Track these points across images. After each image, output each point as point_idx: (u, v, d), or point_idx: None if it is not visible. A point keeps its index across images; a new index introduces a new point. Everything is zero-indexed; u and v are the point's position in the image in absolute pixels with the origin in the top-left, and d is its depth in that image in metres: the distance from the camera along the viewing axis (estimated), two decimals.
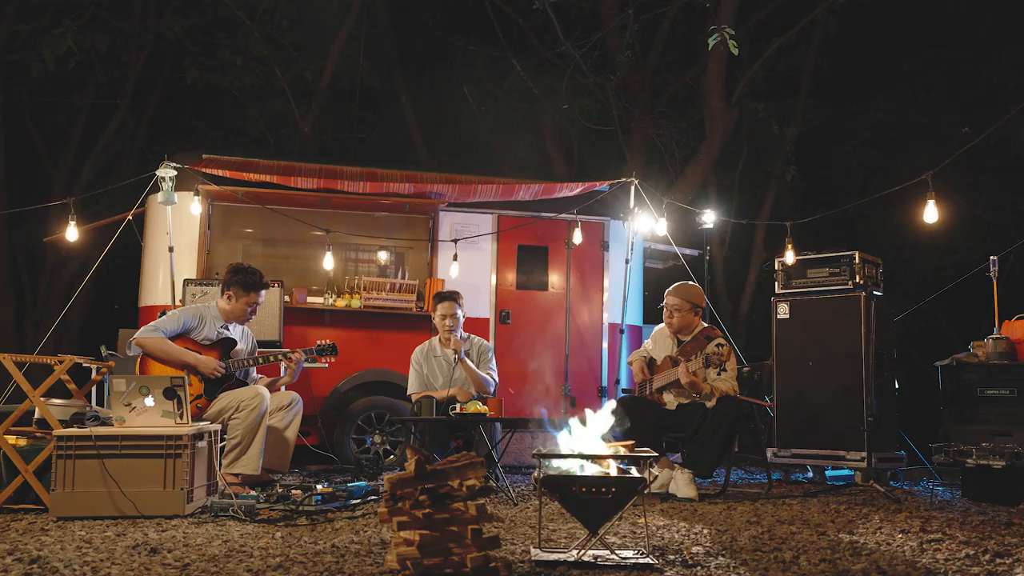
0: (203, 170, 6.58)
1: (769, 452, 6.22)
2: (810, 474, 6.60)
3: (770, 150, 11.60)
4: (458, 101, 11.99)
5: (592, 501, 2.90)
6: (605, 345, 7.95)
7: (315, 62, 10.50)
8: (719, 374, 5.17)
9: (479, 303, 7.77)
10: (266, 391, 4.81)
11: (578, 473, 2.97)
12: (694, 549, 3.24)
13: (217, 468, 4.41)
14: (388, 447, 7.15)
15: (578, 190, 7.30)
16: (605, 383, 7.84)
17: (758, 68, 10.15)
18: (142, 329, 4.75)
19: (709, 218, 8.07)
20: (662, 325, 5.65)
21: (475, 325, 7.64)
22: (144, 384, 4.04)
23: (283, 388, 5.25)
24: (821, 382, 6.18)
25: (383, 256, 7.87)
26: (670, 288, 5.47)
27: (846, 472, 6.46)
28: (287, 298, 7.14)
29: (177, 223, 7.18)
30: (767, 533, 3.69)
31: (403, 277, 7.56)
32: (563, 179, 7.76)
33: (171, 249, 6.56)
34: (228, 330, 5.06)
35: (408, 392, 6.05)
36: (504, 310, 7.80)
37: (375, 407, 7.15)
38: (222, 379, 4.86)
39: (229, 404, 4.75)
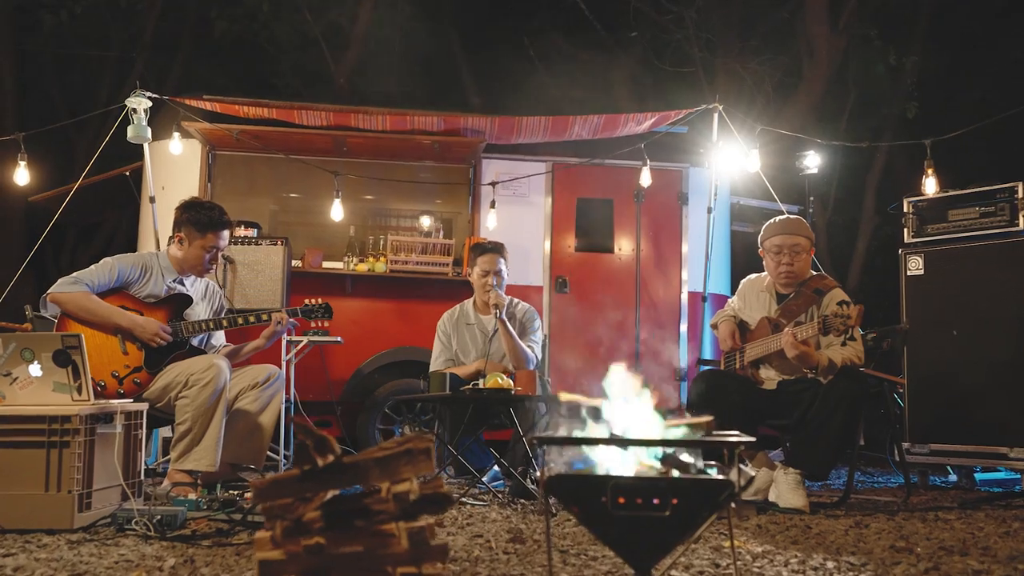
0: (187, 102, 5.55)
1: (903, 446, 4.83)
2: (953, 477, 5.19)
3: (885, 91, 9.93)
4: (520, 54, 10.81)
5: (638, 521, 1.67)
6: (684, 318, 6.64)
7: (351, 7, 9.45)
8: (845, 343, 3.83)
9: (530, 268, 6.59)
10: (224, 362, 3.73)
11: (612, 473, 1.73)
12: None
13: (142, 462, 3.32)
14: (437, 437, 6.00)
15: (648, 123, 6.02)
16: (685, 364, 6.55)
17: None
18: (60, 281, 3.72)
19: (812, 161, 6.64)
20: (753, 276, 4.36)
21: (525, 294, 6.44)
22: (27, 346, 2.98)
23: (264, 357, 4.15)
24: (970, 356, 4.78)
25: (415, 212, 6.72)
26: (776, 223, 4.15)
27: (1004, 475, 5.03)
28: (298, 262, 6.08)
29: (173, 175, 6.26)
30: (934, 571, 2.37)
31: (439, 237, 6.40)
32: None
33: (152, 199, 5.57)
34: (183, 285, 3.98)
35: (431, 370, 4.87)
36: (560, 276, 6.60)
37: (405, 391, 5.99)
38: (169, 346, 3.79)
39: (176, 379, 3.70)
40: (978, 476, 5.08)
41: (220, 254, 4.02)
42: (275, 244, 5.65)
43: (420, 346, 6.08)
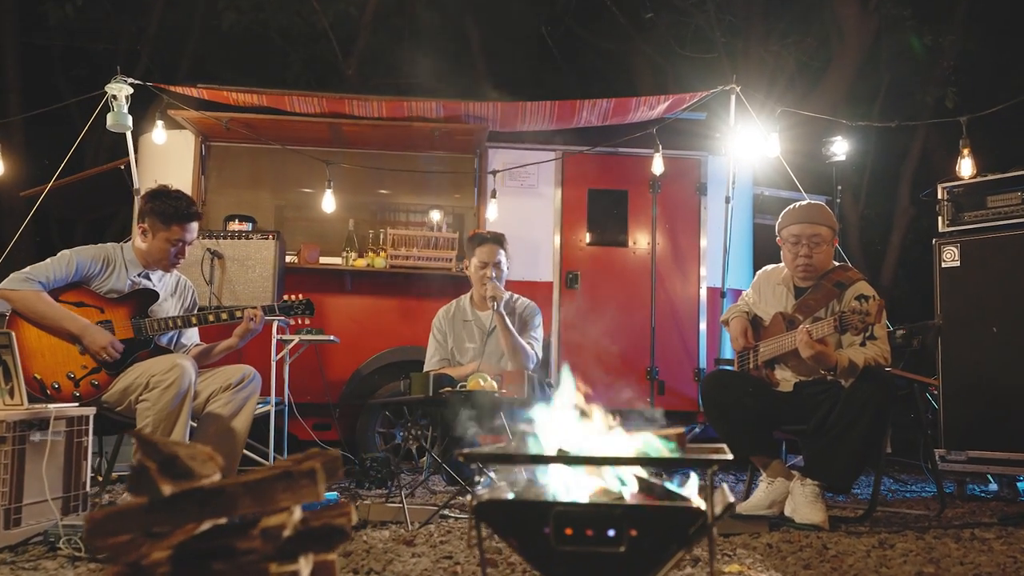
0: (172, 88, 5.31)
1: (937, 454, 4.45)
2: (993, 486, 4.79)
3: (920, 75, 9.42)
4: (538, 43, 10.50)
5: (588, 558, 1.35)
6: (703, 316, 6.28)
7: None
8: (864, 343, 3.47)
9: (539, 263, 6.28)
10: (189, 362, 3.47)
11: (557, 498, 1.42)
12: None
13: (87, 473, 3.06)
14: (424, 443, 5.72)
15: (661, 107, 5.68)
16: (704, 364, 6.19)
17: None
18: (11, 277, 3.47)
19: (840, 148, 6.24)
20: (769, 267, 4.01)
21: (534, 291, 6.13)
22: None
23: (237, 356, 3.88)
24: (1011, 354, 4.42)
25: (419, 206, 6.43)
26: (795, 210, 3.78)
27: None
28: (294, 257, 5.83)
29: (166, 168, 6.03)
30: None
31: (443, 231, 6.11)
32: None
33: (137, 192, 5.34)
34: (149, 279, 3.72)
35: (424, 370, 4.57)
36: (571, 272, 6.28)
37: (402, 393, 5.67)
38: (131, 345, 3.54)
39: (136, 381, 3.45)
40: (1021, 486, 4.68)
41: (187, 247, 3.74)
42: (266, 238, 5.39)
43: (422, 345, 5.75)
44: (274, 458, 5.19)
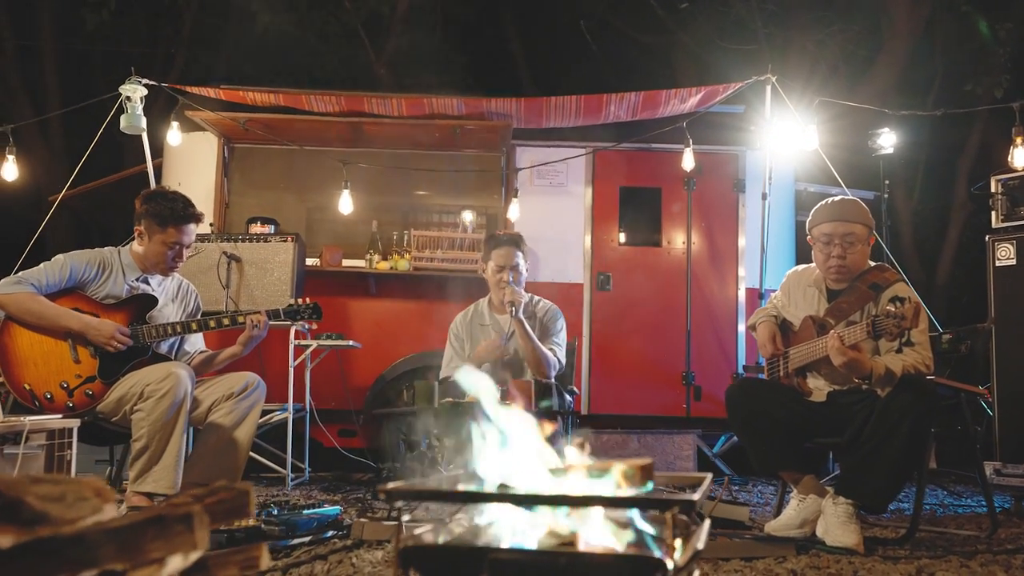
0: (188, 89, 5.23)
1: (989, 468, 4.12)
2: None
3: (976, 64, 8.95)
4: (576, 39, 10.27)
5: None
6: (742, 318, 6.01)
7: None
8: (901, 348, 3.18)
9: (569, 264, 6.08)
10: (185, 371, 3.34)
11: (493, 544, 1.21)
12: None
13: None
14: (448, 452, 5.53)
15: (694, 100, 5.43)
16: (742, 369, 5.90)
17: None
18: (2, 281, 3.38)
19: (887, 140, 5.91)
20: (800, 267, 3.74)
21: (564, 293, 5.95)
22: None
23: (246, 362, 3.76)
24: None
25: (446, 207, 6.26)
26: (826, 207, 3.51)
27: None
28: (316, 260, 5.71)
29: (190, 171, 5.99)
30: None
31: (468, 232, 5.93)
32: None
33: None
34: (148, 284, 3.61)
35: (440, 377, 4.39)
36: (603, 273, 6.07)
37: None
38: (128, 353, 3.43)
39: (131, 390, 3.34)
40: None
41: (185, 251, 3.62)
42: (285, 241, 5.28)
43: None
44: (292, 466, 5.07)
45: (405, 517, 1.22)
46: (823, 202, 3.54)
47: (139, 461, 3.30)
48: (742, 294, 6.10)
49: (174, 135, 5.41)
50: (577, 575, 1.13)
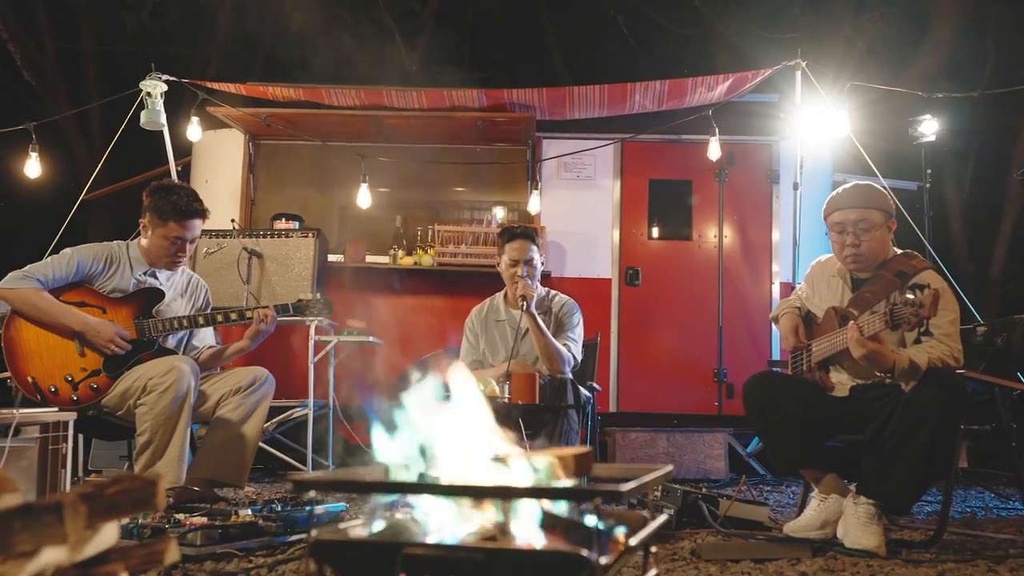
0: (209, 85, 5.24)
1: None
2: None
3: None
4: (613, 32, 10.13)
5: None
6: None
7: None
8: (920, 339, 3.01)
9: (597, 259, 5.97)
10: (189, 365, 3.32)
11: (410, 539, 1.12)
12: None
13: (65, 482, 2.92)
14: None
15: (722, 88, 5.29)
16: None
17: None
18: (9, 276, 3.39)
19: (929, 127, 5.67)
20: (824, 257, 3.58)
21: (591, 288, 5.85)
22: None
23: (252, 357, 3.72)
24: None
25: (471, 202, 6.19)
26: (839, 195, 3.35)
27: None
28: (339, 256, 5.69)
29: (216, 168, 6.02)
30: None
31: (495, 227, 5.85)
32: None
33: None
34: (156, 278, 3.59)
35: None
36: (631, 267, 5.94)
37: None
38: (134, 347, 3.41)
39: (135, 384, 3.34)
40: None
41: (189, 246, 3.59)
42: (305, 236, 5.25)
43: None
44: (314, 463, 5.04)
45: (319, 509, 1.13)
46: (836, 190, 3.39)
47: (144, 455, 3.29)
48: (776, 289, 5.92)
49: (194, 131, 5.44)
50: (495, 571, 1.04)
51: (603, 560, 1.01)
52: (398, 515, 1.20)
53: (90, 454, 4.93)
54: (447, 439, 1.20)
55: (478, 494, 1.11)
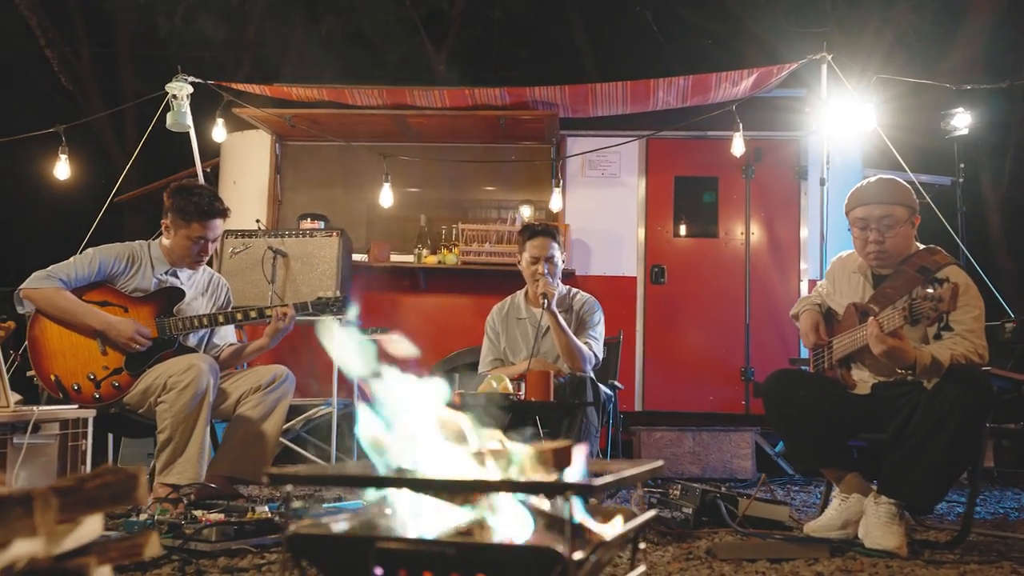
0: (233, 86, 5.30)
1: None
2: None
3: None
4: (643, 29, 10.07)
5: None
6: None
7: None
8: (939, 335, 2.95)
9: (622, 257, 5.94)
10: (208, 363, 3.36)
11: (385, 533, 1.12)
12: None
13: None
14: None
15: (747, 82, 5.24)
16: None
17: None
18: (33, 275, 3.46)
19: (962, 121, 5.55)
20: (845, 253, 3.52)
21: (616, 286, 5.82)
22: None
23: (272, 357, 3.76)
24: None
25: (496, 201, 6.19)
26: (862, 189, 3.29)
27: None
28: (364, 256, 5.71)
29: (244, 169, 6.08)
30: None
31: (517, 225, 5.83)
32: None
33: None
34: (177, 277, 3.64)
35: (479, 371, 4.31)
36: (657, 265, 5.89)
37: None
38: (155, 345, 3.46)
39: (155, 382, 3.38)
40: None
41: (211, 245, 3.63)
42: (329, 236, 5.28)
43: None
44: (336, 459, 5.07)
45: (295, 503, 1.13)
46: (858, 184, 3.32)
47: (164, 453, 3.33)
48: (804, 287, 5.84)
49: (219, 132, 5.49)
50: (468, 566, 1.03)
51: (577, 555, 1.00)
52: (381, 509, 1.20)
53: (119, 452, 5.02)
54: (424, 434, 1.19)
55: (451, 488, 1.11)
